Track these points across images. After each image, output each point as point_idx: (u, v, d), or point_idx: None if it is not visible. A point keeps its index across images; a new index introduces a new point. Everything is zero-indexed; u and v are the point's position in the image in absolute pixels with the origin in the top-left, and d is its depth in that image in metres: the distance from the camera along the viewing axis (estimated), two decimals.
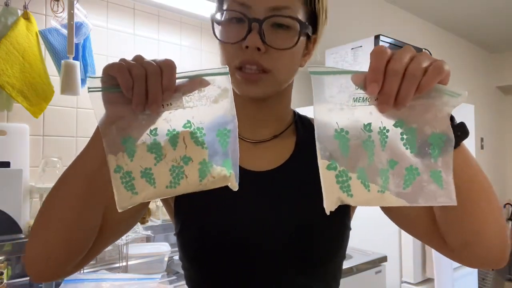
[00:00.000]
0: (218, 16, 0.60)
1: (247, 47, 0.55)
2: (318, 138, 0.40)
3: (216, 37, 0.59)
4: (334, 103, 0.40)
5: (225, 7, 0.58)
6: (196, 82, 0.42)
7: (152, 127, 0.43)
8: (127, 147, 0.43)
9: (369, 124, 0.41)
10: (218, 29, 0.60)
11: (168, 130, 0.44)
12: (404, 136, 0.40)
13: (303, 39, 0.59)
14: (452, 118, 0.45)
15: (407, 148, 0.40)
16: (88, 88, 0.42)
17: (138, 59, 0.41)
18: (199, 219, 0.60)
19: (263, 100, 0.62)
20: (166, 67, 0.40)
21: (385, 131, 0.41)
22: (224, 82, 0.42)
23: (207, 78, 0.42)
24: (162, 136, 0.44)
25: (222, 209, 0.59)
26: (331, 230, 0.60)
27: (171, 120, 0.43)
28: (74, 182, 0.47)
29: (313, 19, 0.62)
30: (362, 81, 0.38)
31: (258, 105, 0.64)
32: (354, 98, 0.40)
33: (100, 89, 0.42)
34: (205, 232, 0.59)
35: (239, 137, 0.65)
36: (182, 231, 0.62)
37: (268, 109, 0.65)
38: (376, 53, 0.38)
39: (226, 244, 0.58)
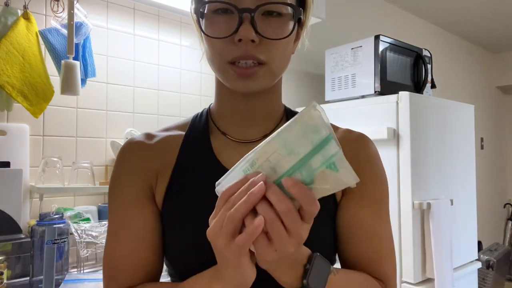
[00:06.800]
0: (200, 8, 0.54)
1: (240, 40, 0.51)
2: None
3: (203, 31, 0.54)
4: None
5: None
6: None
7: None
8: None
9: None
10: (201, 22, 0.55)
11: None
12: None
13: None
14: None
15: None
16: None
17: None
18: (183, 231, 0.57)
19: (255, 94, 0.59)
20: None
21: None
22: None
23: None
24: None
25: (207, 221, 0.57)
26: (323, 232, 0.58)
27: None
28: None
29: (303, 1, 0.58)
30: None
31: (248, 101, 0.60)
32: None
33: None
34: (190, 245, 0.56)
35: (227, 137, 0.62)
36: (167, 244, 0.59)
37: (259, 104, 0.61)
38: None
39: (211, 257, 0.53)
